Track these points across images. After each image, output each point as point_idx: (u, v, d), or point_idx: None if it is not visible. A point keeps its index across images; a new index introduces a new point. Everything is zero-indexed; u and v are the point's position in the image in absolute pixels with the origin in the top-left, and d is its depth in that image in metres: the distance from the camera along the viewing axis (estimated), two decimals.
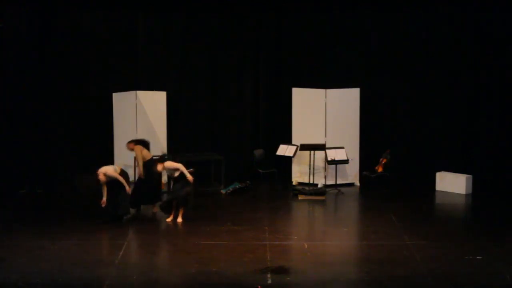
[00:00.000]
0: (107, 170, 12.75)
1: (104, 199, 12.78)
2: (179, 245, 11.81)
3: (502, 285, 10.08)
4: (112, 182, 12.81)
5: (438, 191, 15.16)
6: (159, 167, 12.96)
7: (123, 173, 13.04)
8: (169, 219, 12.98)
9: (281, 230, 12.60)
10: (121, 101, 15.60)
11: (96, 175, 12.71)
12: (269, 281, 10.13)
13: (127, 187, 12.80)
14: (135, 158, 14.13)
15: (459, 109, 16.01)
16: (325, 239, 12.41)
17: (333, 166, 15.18)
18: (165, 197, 13.50)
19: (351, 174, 15.69)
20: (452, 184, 15.05)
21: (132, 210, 13.25)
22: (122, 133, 15.57)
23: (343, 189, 15.19)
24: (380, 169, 15.61)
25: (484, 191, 15.04)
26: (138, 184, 13.60)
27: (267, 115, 16.69)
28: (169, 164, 12.92)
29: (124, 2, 16.03)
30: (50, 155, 15.89)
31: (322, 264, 10.90)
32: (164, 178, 14.40)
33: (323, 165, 15.47)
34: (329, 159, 15.04)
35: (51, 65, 15.81)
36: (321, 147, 15.14)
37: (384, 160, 15.63)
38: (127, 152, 14.63)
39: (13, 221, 12.98)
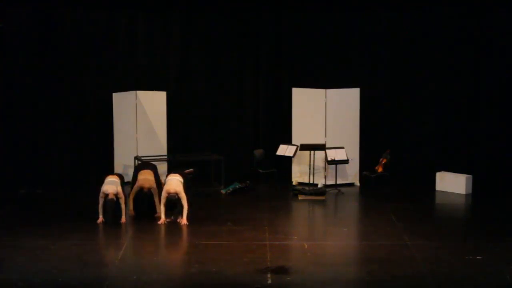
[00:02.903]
0: (115, 189, 12.66)
1: (101, 217, 12.74)
2: (179, 245, 11.81)
3: (502, 285, 10.08)
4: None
5: (438, 191, 15.16)
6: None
7: (121, 177, 13.08)
8: (169, 219, 12.95)
9: (281, 230, 12.59)
10: (121, 101, 15.60)
11: (104, 194, 12.60)
12: (269, 281, 10.13)
13: (123, 217, 12.75)
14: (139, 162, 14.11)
15: (459, 109, 16.02)
16: (325, 239, 12.41)
17: (333, 166, 15.18)
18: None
19: (351, 174, 15.69)
20: (452, 184, 15.05)
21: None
22: (122, 133, 15.57)
23: (343, 189, 15.19)
24: (380, 169, 15.61)
25: (484, 191, 15.05)
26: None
27: (267, 115, 16.68)
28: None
29: (124, 2, 16.04)
30: (50, 155, 15.88)
31: (322, 264, 10.90)
32: None
33: (323, 165, 15.47)
34: (329, 159, 15.04)
35: (51, 65, 15.80)
36: (321, 147, 15.14)
37: (384, 160, 15.63)
38: (127, 152, 14.65)
39: (13, 221, 12.97)
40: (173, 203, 12.77)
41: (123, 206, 12.72)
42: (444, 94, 16.07)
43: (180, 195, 12.66)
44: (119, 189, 12.72)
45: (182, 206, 12.69)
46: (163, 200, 12.72)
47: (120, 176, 13.23)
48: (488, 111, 15.87)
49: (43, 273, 10.34)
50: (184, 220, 12.68)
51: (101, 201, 12.64)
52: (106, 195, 12.58)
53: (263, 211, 13.71)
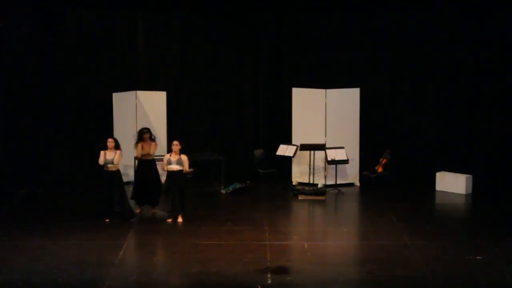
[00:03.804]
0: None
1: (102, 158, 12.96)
2: (179, 245, 11.81)
3: (502, 285, 10.09)
4: (109, 177, 12.85)
5: (438, 191, 15.16)
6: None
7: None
8: (169, 219, 12.98)
9: (281, 230, 12.60)
10: (121, 101, 15.60)
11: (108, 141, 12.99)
12: (269, 281, 10.14)
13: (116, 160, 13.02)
14: (135, 157, 14.12)
15: (459, 109, 16.02)
16: (325, 239, 12.41)
17: (333, 166, 15.18)
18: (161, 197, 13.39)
19: (351, 174, 15.69)
20: (452, 184, 15.05)
21: (136, 211, 13.31)
22: (122, 133, 15.55)
23: (343, 189, 15.19)
24: (380, 169, 15.62)
25: (484, 191, 15.04)
26: (139, 183, 13.60)
27: (267, 115, 16.68)
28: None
29: (124, 2, 16.04)
30: (50, 155, 15.88)
31: (322, 264, 10.91)
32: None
33: (323, 165, 15.47)
34: (329, 159, 15.04)
35: (51, 65, 15.80)
36: (321, 147, 15.14)
37: (384, 160, 15.63)
38: (127, 152, 14.60)
39: (13, 221, 12.98)
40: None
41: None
42: (444, 94, 16.07)
43: (181, 157, 12.93)
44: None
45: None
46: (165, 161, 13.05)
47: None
48: (488, 111, 15.86)
49: (43, 273, 10.35)
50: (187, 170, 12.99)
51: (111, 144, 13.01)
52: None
53: (263, 211, 13.72)
